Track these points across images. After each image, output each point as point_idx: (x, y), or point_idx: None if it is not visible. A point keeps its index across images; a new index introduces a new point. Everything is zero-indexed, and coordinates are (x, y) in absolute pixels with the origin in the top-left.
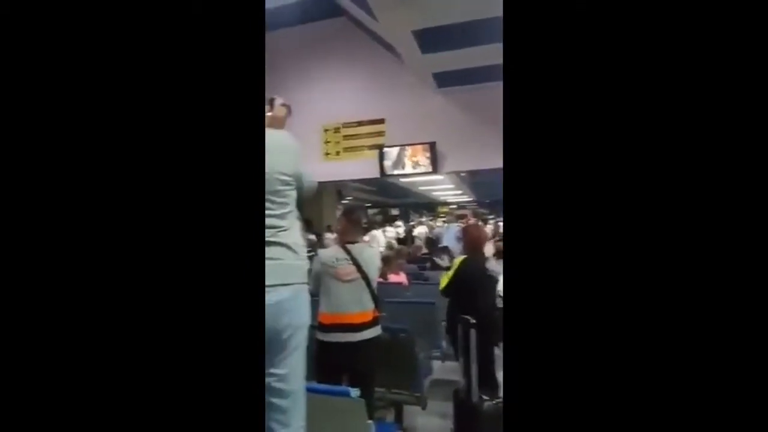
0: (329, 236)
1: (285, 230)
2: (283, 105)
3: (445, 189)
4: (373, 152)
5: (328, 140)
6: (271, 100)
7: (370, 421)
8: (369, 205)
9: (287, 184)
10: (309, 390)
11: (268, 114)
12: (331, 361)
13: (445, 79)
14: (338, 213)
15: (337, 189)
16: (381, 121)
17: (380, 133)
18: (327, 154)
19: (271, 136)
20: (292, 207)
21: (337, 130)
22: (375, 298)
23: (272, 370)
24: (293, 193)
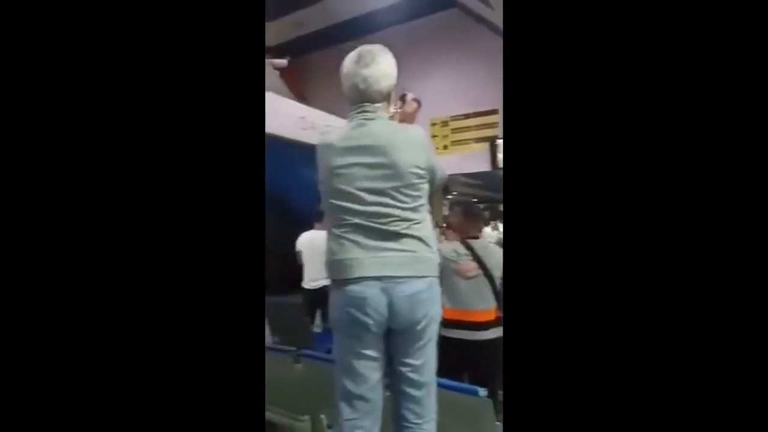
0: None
1: (418, 223)
2: (414, 100)
3: None
4: (482, 145)
5: (435, 134)
6: (403, 96)
7: (498, 423)
8: (476, 200)
9: (421, 177)
10: (437, 385)
11: (399, 110)
12: (452, 358)
13: None
14: (445, 209)
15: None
16: (493, 112)
17: (492, 125)
18: (435, 148)
19: (405, 130)
20: (424, 200)
21: (445, 123)
22: (498, 297)
23: (407, 360)
24: (426, 186)
